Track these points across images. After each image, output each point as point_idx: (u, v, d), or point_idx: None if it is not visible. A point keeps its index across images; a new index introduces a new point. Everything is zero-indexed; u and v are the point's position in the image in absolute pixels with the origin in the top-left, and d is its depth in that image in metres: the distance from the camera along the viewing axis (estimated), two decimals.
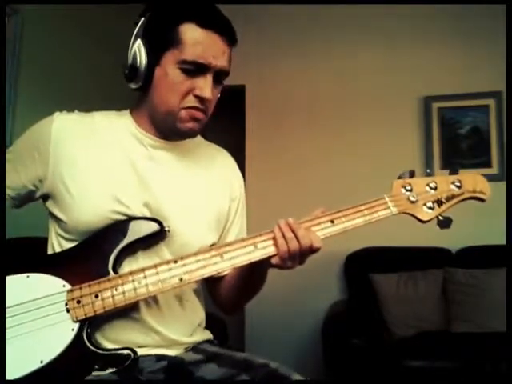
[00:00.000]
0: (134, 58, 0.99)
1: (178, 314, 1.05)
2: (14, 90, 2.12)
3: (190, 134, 1.06)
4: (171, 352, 1.02)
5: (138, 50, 0.98)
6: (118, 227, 0.99)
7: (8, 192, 1.04)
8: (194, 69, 0.96)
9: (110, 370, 0.90)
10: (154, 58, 0.98)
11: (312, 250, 0.94)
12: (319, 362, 2.71)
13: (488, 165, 3.03)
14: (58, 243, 1.04)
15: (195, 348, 1.08)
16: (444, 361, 2.24)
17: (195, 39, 0.95)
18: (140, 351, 0.96)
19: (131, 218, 1.00)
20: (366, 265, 2.92)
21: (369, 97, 3.26)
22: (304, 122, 3.33)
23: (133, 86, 1.02)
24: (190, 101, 0.99)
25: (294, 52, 3.39)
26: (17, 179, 1.03)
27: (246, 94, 3.42)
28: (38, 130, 1.04)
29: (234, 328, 2.87)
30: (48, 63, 2.35)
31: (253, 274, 1.05)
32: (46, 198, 1.05)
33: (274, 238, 0.95)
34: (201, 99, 0.99)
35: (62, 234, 1.03)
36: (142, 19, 1.00)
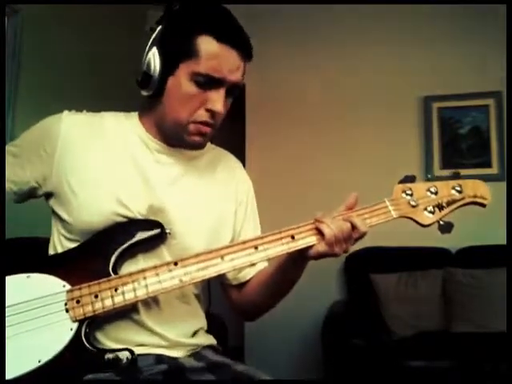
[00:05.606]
0: (149, 65, 0.97)
1: (178, 316, 1.05)
2: (14, 89, 2.12)
3: (197, 147, 1.07)
4: (172, 353, 1.02)
5: (153, 58, 0.97)
6: (120, 229, 0.99)
7: (11, 186, 1.03)
8: (208, 82, 0.96)
9: (109, 371, 0.89)
10: (169, 67, 0.97)
11: (360, 234, 0.95)
12: (319, 361, 2.71)
13: (488, 165, 3.02)
14: (59, 242, 1.03)
15: (198, 354, 1.06)
16: (444, 361, 2.24)
17: (211, 52, 0.94)
18: (139, 350, 0.96)
19: (132, 220, 1.00)
20: (366, 265, 2.92)
21: (369, 97, 3.26)
22: (304, 122, 3.33)
23: (144, 93, 1.01)
24: (201, 115, 0.99)
25: (294, 52, 3.39)
26: (21, 174, 1.02)
27: (246, 93, 3.42)
28: (47, 128, 1.04)
29: (233, 328, 2.86)
30: (48, 63, 2.36)
31: (293, 267, 1.03)
32: (49, 196, 1.04)
33: (316, 228, 0.95)
34: (212, 113, 0.98)
35: (64, 233, 1.02)
36: (160, 27, 0.98)
